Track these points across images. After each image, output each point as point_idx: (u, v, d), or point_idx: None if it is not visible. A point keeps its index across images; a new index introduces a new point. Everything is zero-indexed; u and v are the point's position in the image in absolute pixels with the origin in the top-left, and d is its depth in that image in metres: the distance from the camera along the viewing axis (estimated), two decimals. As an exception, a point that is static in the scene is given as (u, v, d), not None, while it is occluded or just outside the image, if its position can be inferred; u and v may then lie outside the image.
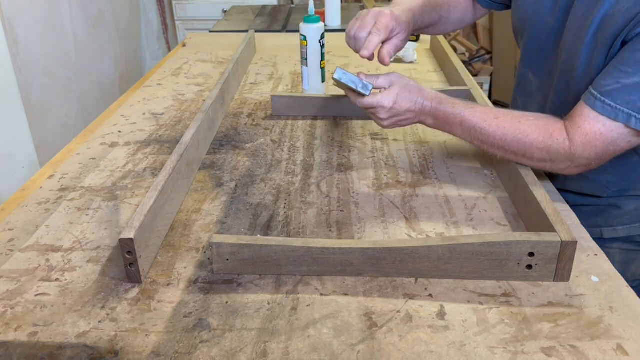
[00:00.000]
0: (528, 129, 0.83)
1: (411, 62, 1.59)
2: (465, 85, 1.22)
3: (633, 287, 0.74)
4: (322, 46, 1.28)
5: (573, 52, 0.87)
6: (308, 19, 1.27)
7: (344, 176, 0.97)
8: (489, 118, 0.87)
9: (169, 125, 1.20)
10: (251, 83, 1.47)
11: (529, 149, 0.83)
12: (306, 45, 1.28)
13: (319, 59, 1.29)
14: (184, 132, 1.14)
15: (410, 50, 1.61)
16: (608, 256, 0.79)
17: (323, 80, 1.33)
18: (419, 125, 1.17)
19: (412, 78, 1.46)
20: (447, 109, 0.90)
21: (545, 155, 0.83)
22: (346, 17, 2.34)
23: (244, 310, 0.67)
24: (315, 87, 1.32)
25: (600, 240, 0.88)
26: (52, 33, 2.30)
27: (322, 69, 1.31)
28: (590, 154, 0.79)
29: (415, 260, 0.70)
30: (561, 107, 0.88)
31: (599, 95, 0.77)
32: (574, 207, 0.90)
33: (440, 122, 0.92)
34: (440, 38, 1.61)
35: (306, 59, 1.29)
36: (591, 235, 0.83)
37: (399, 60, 1.59)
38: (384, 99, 0.90)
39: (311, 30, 1.27)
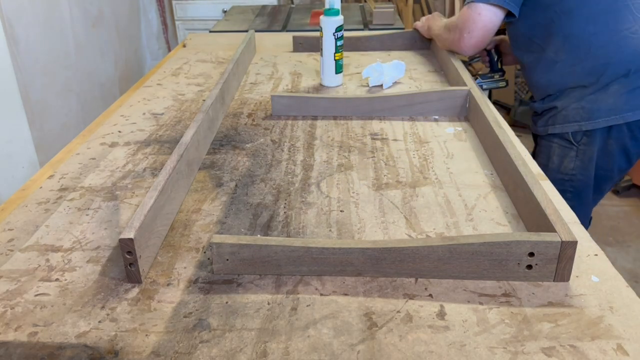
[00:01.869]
0: (450, 19, 1.45)
1: (377, 86, 1.40)
2: (465, 85, 1.22)
3: (565, 181, 1.30)
4: (337, 39, 1.35)
5: None
6: (328, 12, 1.35)
7: (344, 176, 0.97)
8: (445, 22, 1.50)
9: (169, 125, 1.20)
10: (251, 83, 1.47)
11: (445, 28, 1.45)
12: (322, 37, 1.36)
13: (333, 50, 1.36)
14: (184, 132, 1.14)
15: (376, 73, 1.41)
16: (550, 150, 1.34)
17: (337, 72, 1.40)
18: (418, 125, 1.17)
19: (413, 78, 1.46)
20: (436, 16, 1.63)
21: (448, 30, 1.42)
22: (346, 17, 2.34)
23: (244, 310, 0.67)
24: (329, 78, 1.41)
25: (547, 137, 1.36)
26: (52, 33, 2.30)
27: (337, 60, 1.38)
28: (465, 24, 1.33)
29: (415, 260, 0.70)
30: None
31: None
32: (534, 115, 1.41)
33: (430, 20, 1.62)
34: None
35: (322, 49, 1.38)
36: (541, 134, 1.37)
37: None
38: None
39: (327, 23, 1.35)
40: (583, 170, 1.32)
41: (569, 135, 1.31)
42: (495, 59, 1.53)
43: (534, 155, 1.47)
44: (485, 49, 1.52)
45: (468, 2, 1.30)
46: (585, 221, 1.44)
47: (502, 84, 1.51)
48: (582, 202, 1.37)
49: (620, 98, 1.24)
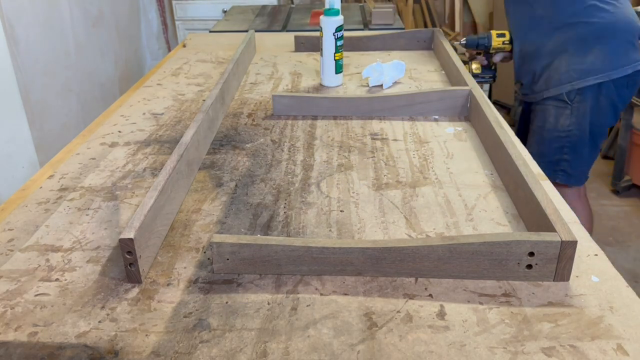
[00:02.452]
0: None
1: (377, 86, 1.39)
2: (467, 85, 1.22)
3: (562, 137, 1.54)
4: (337, 39, 1.36)
5: None
6: (328, 12, 1.35)
7: (344, 176, 0.97)
8: None
9: (169, 125, 1.20)
10: (251, 83, 1.47)
11: None
12: (322, 37, 1.36)
13: (333, 50, 1.37)
14: (184, 132, 1.14)
15: (375, 73, 1.39)
16: (546, 112, 1.55)
17: (337, 72, 1.40)
18: (418, 125, 1.17)
19: (413, 78, 1.46)
20: None
21: None
22: (346, 17, 2.34)
23: (244, 310, 0.67)
24: (329, 78, 1.41)
25: (541, 101, 1.56)
26: (52, 33, 2.30)
27: (337, 60, 1.38)
28: None
29: (415, 260, 0.70)
30: None
31: None
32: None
33: None
34: (442, 37, 1.61)
35: (322, 49, 1.38)
36: (536, 100, 1.59)
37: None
38: None
39: (327, 23, 1.35)
40: (578, 125, 1.52)
41: (564, 95, 1.51)
42: (491, 64, 1.74)
43: (525, 121, 1.70)
44: (487, 62, 1.76)
45: None
46: (582, 177, 1.61)
47: (490, 81, 1.74)
48: (578, 156, 1.55)
49: (605, 59, 1.47)
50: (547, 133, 1.57)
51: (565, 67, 1.50)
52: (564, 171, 1.58)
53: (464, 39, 1.73)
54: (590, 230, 1.65)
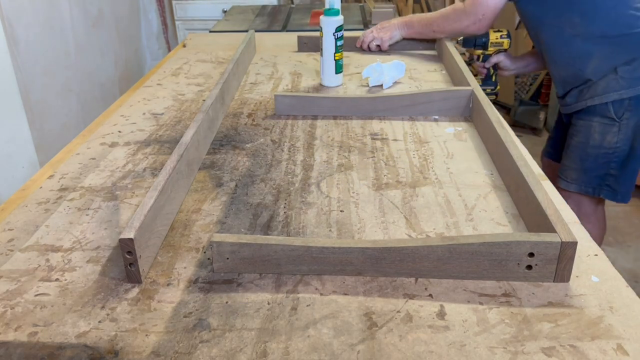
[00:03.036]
0: (445, 10, 1.59)
1: (377, 86, 1.40)
2: (469, 85, 1.22)
3: (609, 154, 1.44)
4: (337, 39, 1.36)
5: None
6: (328, 12, 1.35)
7: (344, 176, 0.97)
8: (432, 14, 1.64)
9: (169, 125, 1.20)
10: (251, 83, 1.47)
11: (446, 17, 1.57)
12: (322, 37, 1.37)
13: (333, 50, 1.37)
14: (184, 132, 1.14)
15: (376, 73, 1.41)
16: (590, 129, 1.44)
17: (337, 72, 1.41)
18: (418, 125, 1.17)
19: (413, 78, 1.46)
20: (409, 17, 1.70)
21: (453, 16, 1.54)
22: (346, 17, 2.34)
23: (244, 310, 0.66)
24: (329, 78, 1.41)
25: (585, 115, 1.47)
26: (52, 33, 2.30)
27: (337, 60, 1.39)
28: (477, 9, 1.48)
29: (415, 260, 0.70)
30: None
31: None
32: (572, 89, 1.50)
33: (406, 27, 1.68)
34: (445, 38, 1.61)
35: (322, 49, 1.38)
36: (578, 109, 1.48)
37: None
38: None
39: (327, 23, 1.35)
40: (627, 141, 1.42)
41: (610, 111, 1.41)
42: (491, 74, 1.71)
43: (562, 132, 1.61)
44: (485, 66, 1.68)
45: None
46: (628, 193, 1.50)
47: (492, 97, 1.66)
48: (626, 171, 1.46)
49: None
50: (592, 150, 1.45)
51: (613, 77, 1.40)
52: (610, 187, 1.47)
53: (460, 38, 1.73)
54: (599, 243, 1.59)
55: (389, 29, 1.68)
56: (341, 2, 2.31)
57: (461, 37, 1.71)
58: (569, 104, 1.50)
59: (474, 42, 1.68)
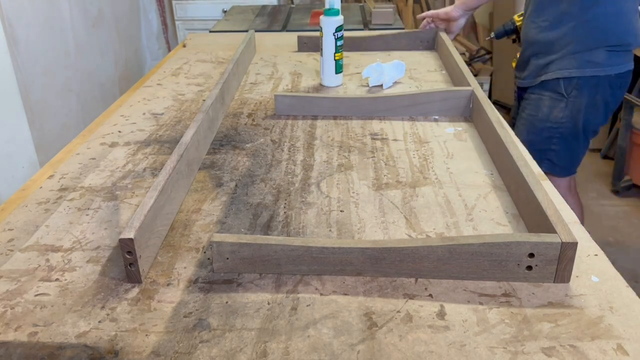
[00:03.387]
0: None
1: (377, 86, 1.40)
2: (469, 85, 1.22)
3: (553, 128, 1.59)
4: (337, 39, 1.36)
5: None
6: (328, 12, 1.35)
7: (344, 176, 0.97)
8: None
9: (168, 125, 1.20)
10: (251, 83, 1.47)
11: None
12: (322, 37, 1.37)
13: (333, 50, 1.37)
14: (184, 132, 1.14)
15: (375, 73, 1.40)
16: (540, 102, 1.60)
17: (337, 72, 1.41)
18: (418, 125, 1.17)
19: (413, 78, 1.46)
20: None
21: None
22: (346, 17, 2.34)
23: (244, 310, 0.66)
24: (329, 78, 1.42)
25: (537, 89, 1.61)
26: (52, 33, 2.30)
27: (337, 60, 1.39)
28: None
29: (415, 260, 0.70)
30: None
31: None
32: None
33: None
34: (445, 37, 1.61)
35: (321, 49, 1.38)
36: (532, 84, 1.62)
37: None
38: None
39: (327, 23, 1.36)
40: (571, 119, 1.56)
41: (561, 87, 1.54)
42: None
43: (518, 109, 1.73)
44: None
45: None
46: (567, 169, 1.66)
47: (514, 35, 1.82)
48: (566, 148, 1.60)
49: (603, 55, 1.51)
50: (539, 123, 1.60)
51: (569, 55, 1.53)
52: (550, 160, 1.62)
53: (492, 33, 1.84)
54: (581, 222, 1.69)
55: (448, 16, 1.70)
56: (341, 2, 2.31)
57: (492, 33, 1.82)
58: (528, 78, 1.64)
59: (504, 32, 1.80)
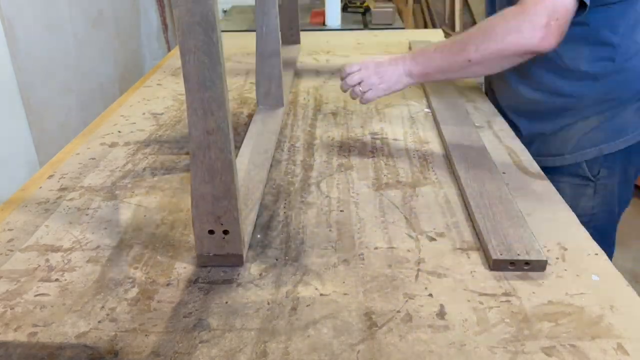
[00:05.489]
0: (487, 21, 0.94)
1: None
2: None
3: (584, 223, 0.85)
4: None
5: None
6: None
7: (344, 176, 0.97)
8: (453, 37, 1.01)
9: (168, 125, 1.20)
10: (251, 83, 1.47)
11: (491, 30, 0.91)
12: None
13: None
14: (184, 131, 1.14)
15: None
16: (559, 192, 0.92)
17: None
18: (419, 125, 1.17)
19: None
20: (424, 47, 1.02)
21: (506, 27, 0.89)
22: (346, 17, 2.34)
23: (243, 310, 0.66)
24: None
25: (553, 175, 1.01)
26: (52, 33, 2.30)
27: None
28: (541, 10, 0.86)
29: None
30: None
31: None
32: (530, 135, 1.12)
33: (419, 60, 1.00)
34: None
35: None
36: (541, 165, 1.00)
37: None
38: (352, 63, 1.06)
39: None
40: (605, 206, 1.11)
41: (584, 169, 1.08)
42: None
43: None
44: None
45: None
46: (611, 254, 1.19)
47: None
48: (606, 241, 1.15)
49: (632, 115, 1.06)
50: None
51: (590, 127, 1.07)
52: None
53: None
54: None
55: (387, 77, 1.03)
56: (341, 2, 2.31)
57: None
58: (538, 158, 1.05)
59: None
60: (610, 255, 1.11)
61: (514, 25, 0.88)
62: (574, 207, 0.94)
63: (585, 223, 0.93)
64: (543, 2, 0.86)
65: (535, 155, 1.04)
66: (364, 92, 1.03)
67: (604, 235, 1.11)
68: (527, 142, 1.10)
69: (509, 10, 0.90)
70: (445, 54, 0.97)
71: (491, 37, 0.91)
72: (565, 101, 1.06)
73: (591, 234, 0.96)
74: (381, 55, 1.65)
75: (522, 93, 1.10)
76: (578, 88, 1.04)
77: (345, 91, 1.07)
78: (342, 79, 1.06)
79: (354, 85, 1.04)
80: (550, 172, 1.03)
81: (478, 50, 0.92)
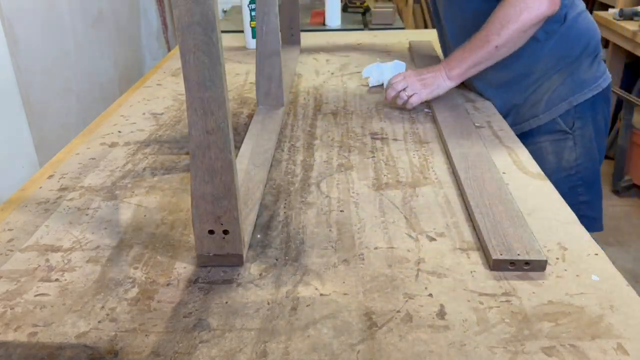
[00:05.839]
0: (496, 12, 1.09)
1: (377, 86, 1.39)
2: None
3: (571, 175, 1.01)
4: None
5: None
6: None
7: (344, 176, 0.97)
8: (475, 34, 1.13)
9: (168, 125, 1.20)
10: (251, 83, 1.47)
11: (504, 16, 1.07)
12: None
13: None
14: (184, 131, 1.14)
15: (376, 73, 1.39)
16: (542, 151, 1.14)
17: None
18: (419, 125, 1.17)
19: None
20: (450, 55, 1.18)
21: (516, 9, 1.05)
22: (346, 17, 2.34)
23: (243, 310, 0.66)
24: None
25: (532, 138, 1.18)
26: (52, 33, 2.30)
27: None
28: None
29: None
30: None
31: None
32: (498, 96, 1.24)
33: (452, 64, 1.16)
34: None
35: None
36: (517, 132, 1.13)
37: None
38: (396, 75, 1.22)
39: None
40: (587, 155, 1.20)
41: (560, 124, 1.19)
42: None
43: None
44: None
45: None
46: (601, 217, 1.26)
47: None
48: (595, 193, 1.22)
49: (590, 70, 1.19)
50: (552, 176, 1.02)
51: (556, 85, 1.18)
52: (586, 217, 1.08)
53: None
54: None
55: (429, 82, 1.18)
56: (341, 2, 2.31)
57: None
58: (514, 127, 1.20)
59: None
60: (599, 204, 1.22)
61: (522, 4, 1.04)
62: (559, 162, 1.13)
63: (572, 175, 1.13)
64: None
65: (512, 125, 1.17)
66: (410, 97, 1.17)
67: (592, 184, 1.21)
68: (505, 114, 1.22)
69: None
70: (473, 50, 1.12)
71: (507, 21, 1.06)
72: (527, 66, 1.18)
73: (579, 185, 1.18)
74: (382, 58, 1.65)
75: (489, 68, 1.17)
76: (535, 51, 1.16)
77: (390, 100, 1.21)
78: (386, 90, 1.21)
79: (400, 91, 1.18)
80: (530, 135, 1.19)
81: (501, 36, 1.07)
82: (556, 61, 1.18)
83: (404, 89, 1.18)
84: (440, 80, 1.17)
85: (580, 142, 1.19)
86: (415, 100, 1.17)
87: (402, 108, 1.21)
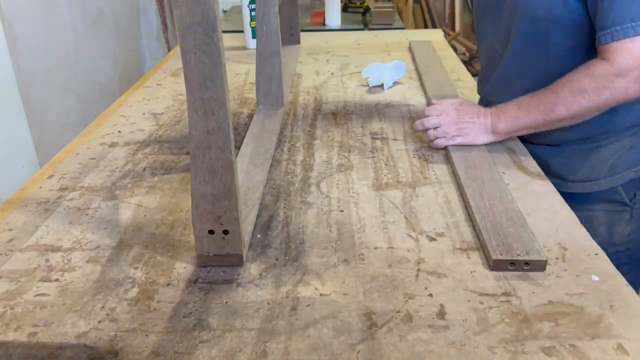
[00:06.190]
0: (572, 80, 0.89)
1: (377, 86, 1.39)
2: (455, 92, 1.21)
3: (619, 252, 0.82)
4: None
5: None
6: None
7: (344, 176, 0.97)
8: (537, 93, 0.94)
9: (168, 125, 1.20)
10: (251, 83, 1.47)
11: (581, 91, 0.88)
12: None
13: None
14: (184, 131, 1.14)
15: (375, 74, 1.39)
16: (594, 221, 0.93)
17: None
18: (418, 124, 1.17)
19: (413, 78, 1.45)
20: (501, 105, 0.98)
21: (598, 87, 0.87)
22: (346, 17, 2.34)
23: (243, 310, 0.66)
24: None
25: (584, 204, 0.98)
26: (52, 33, 2.30)
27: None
28: (633, 65, 0.84)
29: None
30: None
31: (614, 29, 0.85)
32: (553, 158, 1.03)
33: (502, 118, 0.97)
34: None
35: None
36: (565, 190, 0.94)
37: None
38: (433, 104, 1.05)
39: None
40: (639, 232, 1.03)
41: (621, 194, 1.00)
42: None
43: None
44: None
45: (617, 38, 0.85)
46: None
47: None
48: (638, 269, 1.03)
49: None
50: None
51: (625, 149, 1.00)
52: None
53: None
54: None
55: (465, 132, 1.01)
56: (341, 2, 2.31)
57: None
58: (560, 183, 1.01)
59: None
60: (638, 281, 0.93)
61: (607, 85, 0.87)
62: (610, 235, 0.92)
63: (620, 252, 0.91)
64: (632, 56, 0.84)
65: (560, 180, 1.00)
66: (437, 138, 1.02)
67: (637, 261, 1.02)
68: (544, 164, 1.03)
69: (595, 69, 0.87)
70: (532, 113, 0.94)
71: (583, 97, 0.89)
72: (597, 127, 0.99)
73: (626, 263, 0.97)
74: (383, 58, 1.65)
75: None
76: (611, 114, 0.96)
77: (417, 131, 1.07)
78: (420, 118, 1.06)
79: (429, 129, 1.03)
80: (582, 199, 0.99)
81: (569, 110, 0.90)
82: (633, 122, 0.99)
83: (435, 128, 1.03)
84: (479, 133, 1.00)
85: (638, 216, 1.01)
86: (441, 144, 1.02)
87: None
